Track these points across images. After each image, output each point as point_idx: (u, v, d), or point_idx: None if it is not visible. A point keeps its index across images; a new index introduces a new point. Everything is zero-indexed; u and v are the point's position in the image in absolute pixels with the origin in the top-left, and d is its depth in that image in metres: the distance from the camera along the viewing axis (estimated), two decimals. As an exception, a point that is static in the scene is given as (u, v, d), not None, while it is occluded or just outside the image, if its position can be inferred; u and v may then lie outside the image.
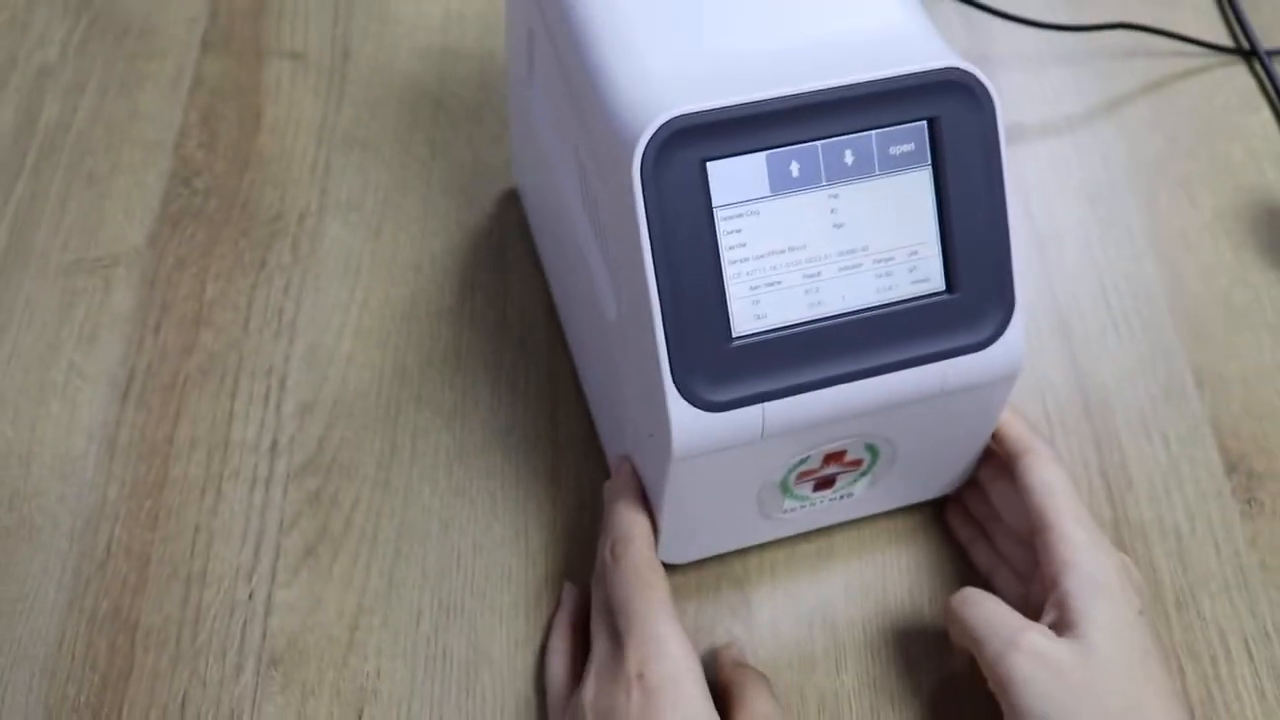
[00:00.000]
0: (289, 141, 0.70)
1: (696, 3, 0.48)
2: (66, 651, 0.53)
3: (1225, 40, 0.78)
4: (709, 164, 0.45)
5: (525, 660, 0.54)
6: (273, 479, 0.58)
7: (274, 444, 0.59)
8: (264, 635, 0.54)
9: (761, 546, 0.57)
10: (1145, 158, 0.73)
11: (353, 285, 0.65)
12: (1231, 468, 0.61)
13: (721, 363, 0.46)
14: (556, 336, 0.63)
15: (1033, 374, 0.64)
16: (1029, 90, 0.75)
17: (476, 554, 0.57)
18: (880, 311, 0.47)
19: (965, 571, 0.57)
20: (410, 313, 0.64)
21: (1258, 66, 0.77)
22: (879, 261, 0.47)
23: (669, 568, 0.56)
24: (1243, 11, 0.79)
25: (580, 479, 0.59)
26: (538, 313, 0.64)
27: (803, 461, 0.51)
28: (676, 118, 0.44)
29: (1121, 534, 0.59)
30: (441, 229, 0.67)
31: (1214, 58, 0.77)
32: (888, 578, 0.57)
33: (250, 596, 0.55)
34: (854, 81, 0.45)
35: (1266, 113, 0.75)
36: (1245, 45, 0.78)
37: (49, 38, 0.75)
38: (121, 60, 0.74)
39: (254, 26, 0.76)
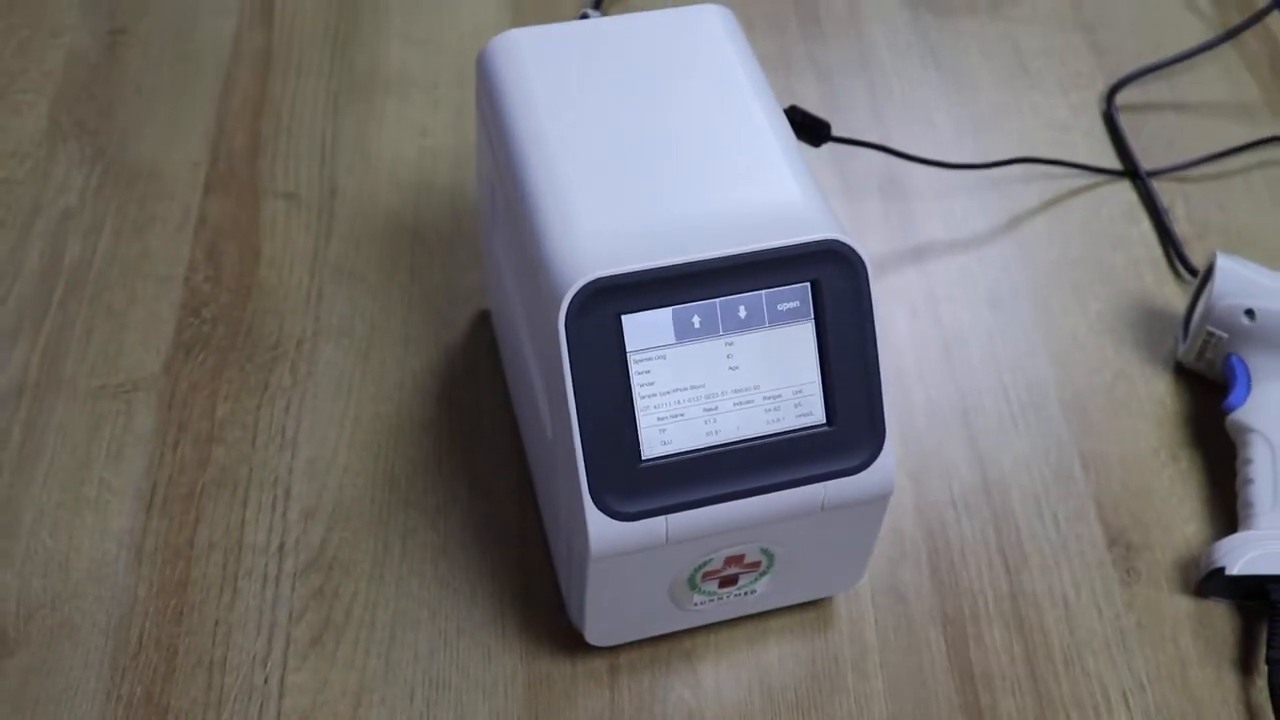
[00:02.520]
0: (285, 274, 0.80)
1: (624, 175, 0.58)
2: (107, 733, 0.62)
3: (1111, 163, 0.89)
4: (624, 316, 0.55)
5: (505, 728, 0.63)
6: (281, 577, 0.67)
7: (281, 546, 0.68)
8: (279, 715, 0.63)
9: (708, 626, 0.66)
10: (1040, 267, 0.83)
11: (346, 403, 0.74)
12: (1112, 541, 0.71)
13: (632, 480, 0.56)
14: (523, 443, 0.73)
15: (939, 461, 0.73)
16: (940, 213, 0.85)
17: (460, 636, 0.65)
18: (769, 440, 0.57)
19: (884, 644, 0.66)
20: (397, 426, 0.73)
21: (1139, 184, 0.88)
22: (768, 398, 0.57)
23: (627, 645, 0.65)
24: (1126, 137, 0.89)
25: (548, 567, 0.68)
26: (507, 422, 0.73)
27: (706, 563, 0.60)
28: (597, 279, 0.54)
29: (1018, 604, 0.68)
30: (422, 350, 0.77)
31: (1101, 178, 0.88)
32: (815, 648, 0.66)
33: (265, 680, 0.64)
34: (748, 250, 0.55)
35: (1146, 224, 0.86)
36: (1128, 166, 0.88)
37: (69, 184, 0.84)
38: (133, 203, 0.83)
39: (251, 168, 0.85)
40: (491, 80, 0.64)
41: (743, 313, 0.56)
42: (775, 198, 0.58)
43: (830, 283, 0.56)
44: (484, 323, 0.78)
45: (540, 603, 0.67)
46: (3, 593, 0.66)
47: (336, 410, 0.74)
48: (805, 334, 0.57)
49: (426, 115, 0.89)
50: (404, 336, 0.77)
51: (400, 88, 0.91)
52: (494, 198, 0.67)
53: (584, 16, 0.74)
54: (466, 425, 0.73)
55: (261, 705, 0.63)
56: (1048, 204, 0.87)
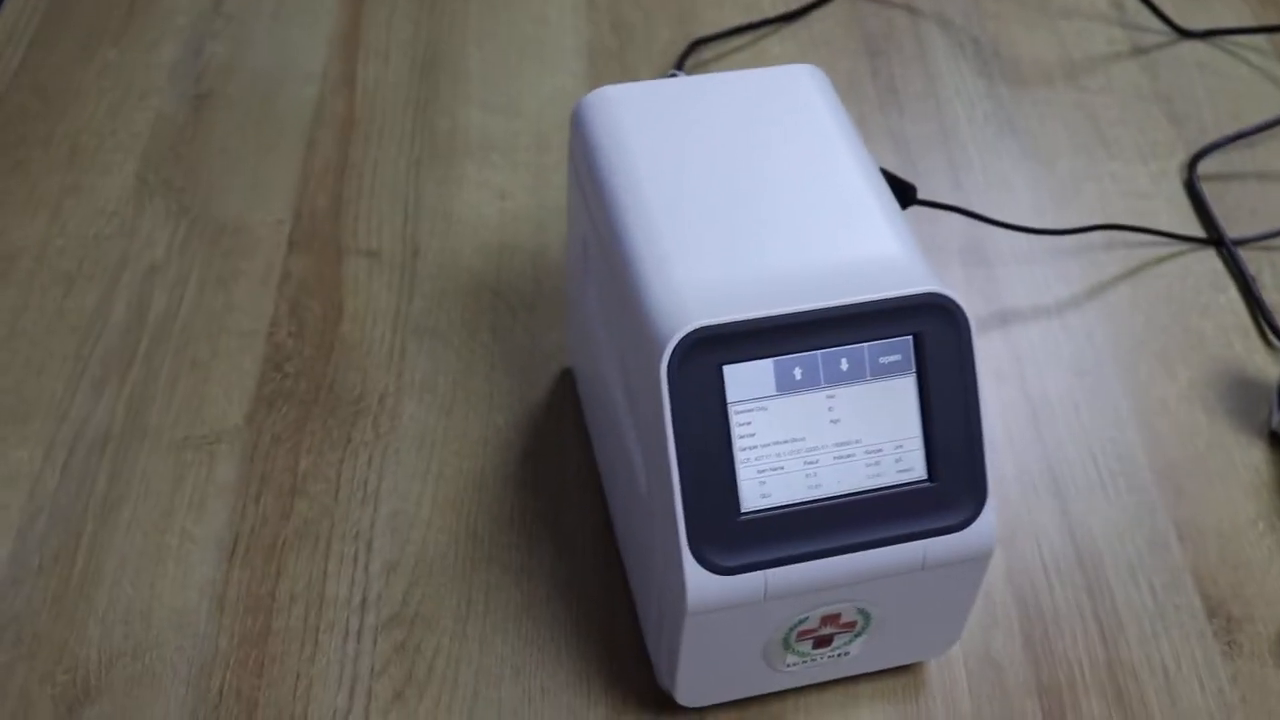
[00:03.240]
0: (368, 330, 0.80)
1: (723, 228, 0.58)
2: (186, 786, 0.61)
3: (1195, 231, 0.88)
4: (725, 367, 0.54)
5: (590, 790, 0.61)
6: (363, 631, 0.66)
7: (364, 600, 0.67)
8: (359, 770, 0.61)
9: (797, 689, 0.64)
10: (1126, 335, 0.82)
11: (429, 458, 0.73)
12: (1212, 612, 0.69)
13: (731, 534, 0.55)
14: (606, 498, 0.72)
15: (1030, 527, 0.72)
16: (1022, 279, 0.85)
17: (544, 696, 0.64)
18: (869, 495, 0.56)
19: (977, 712, 0.64)
20: (480, 481, 0.72)
21: (1224, 252, 0.87)
22: (869, 452, 0.56)
23: (714, 706, 0.64)
24: (1209, 205, 0.89)
25: (634, 625, 0.67)
26: (591, 479, 0.73)
27: (802, 621, 0.59)
28: (699, 328, 0.53)
29: (1115, 674, 0.66)
30: (505, 406, 0.76)
31: (1185, 246, 0.87)
32: (907, 715, 0.64)
33: (347, 735, 0.63)
34: (851, 302, 0.55)
35: (1233, 292, 0.85)
36: (1212, 235, 0.88)
37: (155, 239, 0.85)
38: (218, 258, 0.84)
39: (333, 226, 0.86)
40: (587, 135, 0.64)
41: (844, 365, 0.55)
42: (875, 251, 0.58)
43: (932, 336, 0.56)
44: (567, 381, 0.78)
45: (626, 662, 0.66)
46: (85, 640, 0.65)
47: (419, 465, 0.73)
48: (907, 388, 0.56)
49: (506, 178, 0.90)
50: (487, 393, 0.77)
51: (480, 152, 0.91)
52: (586, 252, 0.67)
53: (672, 76, 0.74)
54: (550, 481, 0.73)
55: (343, 760, 0.62)
56: (1131, 271, 0.86)
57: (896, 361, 0.56)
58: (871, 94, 0.97)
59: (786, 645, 0.60)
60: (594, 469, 0.73)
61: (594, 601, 0.68)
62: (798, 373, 0.55)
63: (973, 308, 0.83)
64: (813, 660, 0.62)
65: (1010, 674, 0.66)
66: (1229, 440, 0.76)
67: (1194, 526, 0.72)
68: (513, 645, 0.66)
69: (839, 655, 0.62)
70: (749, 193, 0.60)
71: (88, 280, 0.82)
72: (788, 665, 0.61)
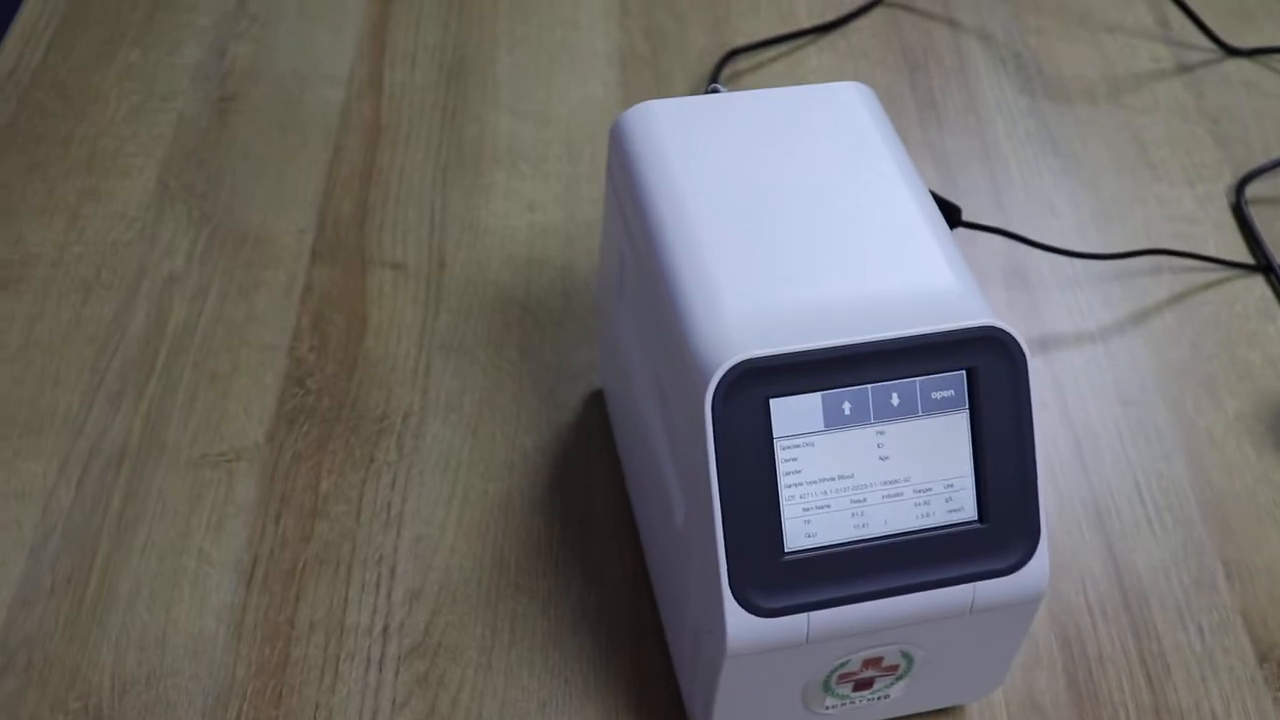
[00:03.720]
0: (392, 346, 0.78)
1: (770, 253, 0.56)
2: (201, 821, 0.59)
3: (1243, 257, 0.86)
4: (771, 400, 0.52)
5: (618, 833, 0.59)
6: (385, 660, 0.64)
7: (385, 628, 0.65)
8: (380, 807, 0.59)
9: (832, 728, 0.62)
10: (1172, 363, 0.80)
11: (454, 480, 0.71)
12: (1263, 657, 0.66)
13: (774, 574, 0.52)
14: (637, 526, 0.69)
15: (1073, 564, 0.69)
16: (1065, 305, 0.82)
17: (571, 732, 0.62)
18: (918, 536, 0.53)
19: (1020, 753, 0.62)
20: (507, 505, 0.70)
21: (1273, 279, 0.84)
22: (918, 491, 0.53)
23: (749, 748, 0.61)
24: (1258, 230, 0.86)
25: (665, 659, 0.64)
26: (621, 505, 0.71)
27: (843, 664, 0.56)
28: (746, 360, 0.51)
29: (1161, 718, 0.64)
30: (533, 427, 0.74)
31: (1232, 272, 0.85)
32: (949, 759, 0.62)
33: (367, 770, 0.60)
34: (902, 335, 0.52)
35: (1282, 321, 0.82)
36: (1261, 261, 0.85)
37: (175, 248, 0.83)
38: (239, 268, 0.82)
39: (358, 237, 0.84)
40: (627, 150, 0.62)
41: (895, 400, 0.53)
42: (928, 281, 0.55)
43: (987, 371, 0.53)
44: (596, 402, 0.75)
45: (657, 697, 0.63)
46: (97, 667, 0.63)
47: (444, 488, 0.71)
48: (959, 425, 0.54)
49: (536, 189, 0.87)
50: (514, 414, 0.75)
51: (509, 161, 0.89)
52: (623, 271, 0.64)
53: (713, 91, 0.72)
54: (579, 507, 0.70)
55: (363, 797, 0.60)
56: (1177, 298, 0.83)
57: (949, 397, 0.53)
58: (911, 108, 0.94)
59: (826, 688, 0.58)
60: (624, 494, 0.71)
61: (623, 632, 0.66)
62: (847, 407, 0.53)
63: (1026, 342, 0.80)
64: (852, 703, 0.59)
65: (1053, 717, 0.64)
66: (1278, 475, 0.74)
67: (1243, 565, 0.70)
68: (539, 678, 0.64)
69: (879, 698, 0.60)
70: (797, 216, 0.58)
71: (106, 289, 0.80)
72: (826, 708, 0.59)
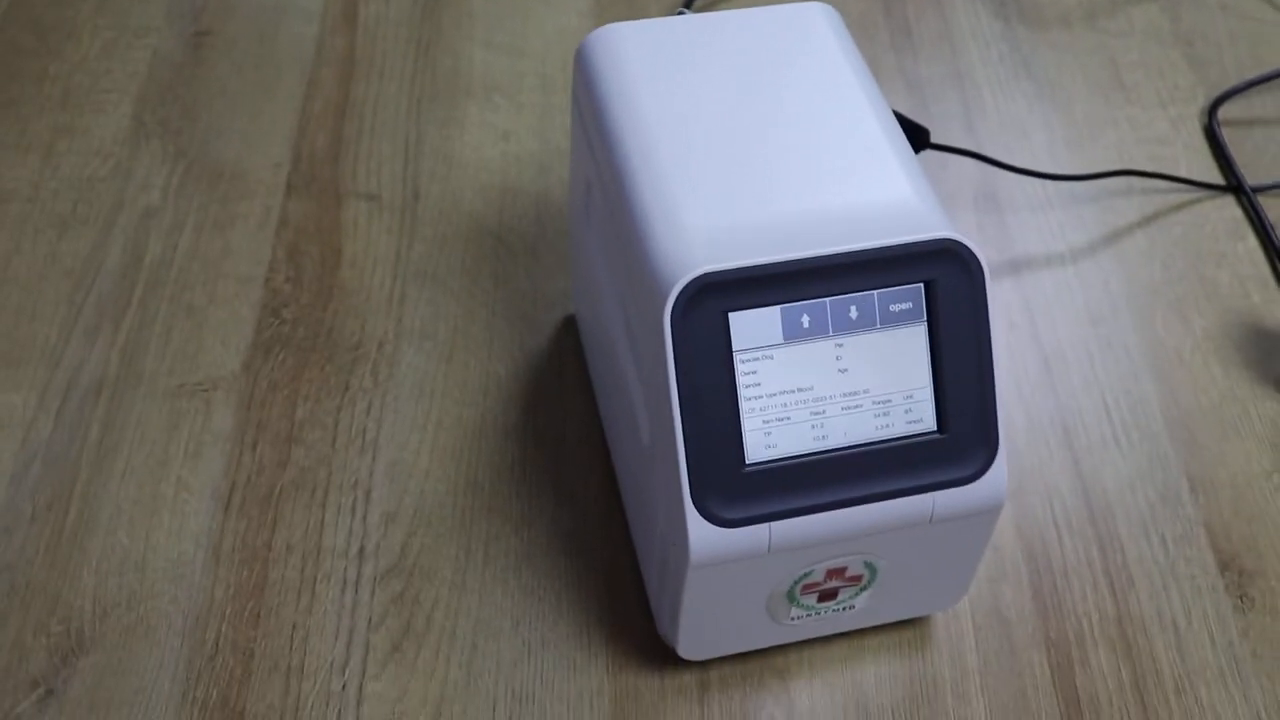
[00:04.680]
0: (367, 276, 0.78)
1: (730, 171, 0.56)
2: (182, 737, 0.60)
3: (1214, 178, 0.86)
4: (730, 314, 0.52)
5: (590, 744, 0.60)
6: (361, 581, 0.65)
7: (361, 550, 0.66)
8: (356, 722, 0.61)
9: (801, 643, 0.63)
10: (1142, 284, 0.80)
11: (428, 407, 0.72)
12: (1224, 566, 0.67)
13: (735, 486, 0.53)
14: (609, 449, 0.70)
15: (1041, 480, 0.70)
16: (1036, 226, 0.83)
17: (544, 648, 0.63)
18: (877, 447, 0.54)
19: (985, 666, 0.63)
20: (480, 431, 0.71)
21: (1243, 200, 0.85)
22: (878, 403, 0.54)
23: (716, 660, 0.63)
24: (1229, 151, 0.87)
25: (636, 577, 0.66)
26: (594, 429, 0.71)
27: (806, 575, 0.57)
28: (704, 274, 0.52)
29: (1124, 627, 0.65)
30: (506, 354, 0.75)
31: (1203, 193, 0.85)
32: (913, 669, 0.63)
33: (343, 687, 0.62)
34: (860, 248, 0.53)
35: (1252, 240, 0.83)
36: (1231, 182, 0.85)
37: (151, 182, 0.83)
38: (215, 202, 0.82)
39: (333, 170, 0.84)
40: (591, 74, 0.62)
41: (853, 313, 0.54)
42: (888, 196, 0.56)
43: (945, 284, 0.54)
44: (569, 328, 0.76)
45: (628, 614, 0.64)
46: (79, 590, 0.64)
47: (418, 414, 0.72)
48: (918, 337, 0.54)
49: (509, 120, 0.88)
50: (487, 341, 0.75)
51: (483, 92, 0.89)
52: (589, 195, 0.65)
53: (680, 14, 0.72)
54: (551, 432, 0.71)
55: (340, 712, 0.61)
56: (1148, 219, 0.84)
57: (907, 310, 0.54)
58: (884, 34, 0.94)
59: (791, 598, 0.59)
60: (596, 418, 0.72)
61: (596, 552, 0.67)
62: (805, 320, 0.53)
63: (985, 255, 0.81)
64: (817, 614, 0.60)
65: (1018, 628, 0.65)
66: (1244, 392, 0.75)
67: (1207, 480, 0.71)
68: (513, 596, 0.65)
69: (844, 609, 0.61)
70: (758, 135, 0.58)
71: (82, 224, 0.80)
72: (792, 619, 0.60)
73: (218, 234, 0.81)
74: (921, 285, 0.54)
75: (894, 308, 0.54)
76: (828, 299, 0.53)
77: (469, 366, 0.74)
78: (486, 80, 0.90)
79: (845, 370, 0.54)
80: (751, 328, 0.53)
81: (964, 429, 0.55)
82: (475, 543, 0.67)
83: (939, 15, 0.96)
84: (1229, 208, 0.85)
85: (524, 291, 0.78)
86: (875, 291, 0.53)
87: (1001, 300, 0.79)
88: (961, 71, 0.92)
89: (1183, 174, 0.86)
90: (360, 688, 0.62)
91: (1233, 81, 0.92)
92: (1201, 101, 0.91)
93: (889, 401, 0.54)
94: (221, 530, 0.67)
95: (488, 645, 0.63)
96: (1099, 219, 0.84)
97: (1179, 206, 0.85)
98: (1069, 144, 0.88)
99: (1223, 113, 0.90)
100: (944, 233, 0.54)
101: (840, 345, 0.54)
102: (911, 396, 0.55)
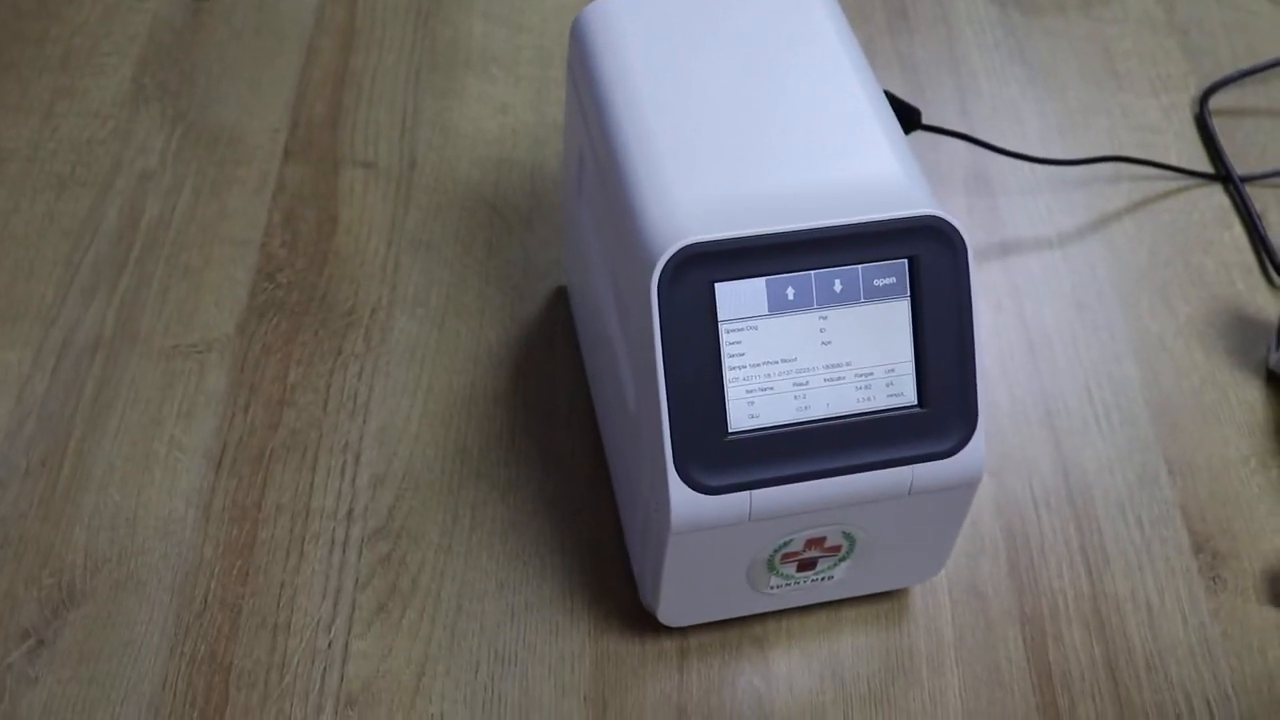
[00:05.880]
0: (362, 242, 0.79)
1: (720, 144, 0.57)
2: (169, 690, 0.61)
3: (1204, 166, 0.87)
4: (716, 285, 0.53)
5: (571, 706, 0.61)
6: (349, 542, 0.66)
7: (350, 512, 0.67)
8: (341, 679, 0.62)
9: (780, 612, 0.65)
10: (1128, 269, 0.81)
11: (419, 372, 0.73)
12: (1198, 548, 0.69)
13: (717, 454, 0.54)
14: (596, 418, 0.71)
15: (1022, 460, 0.72)
16: (1025, 209, 0.84)
17: (528, 611, 0.64)
18: (859, 419, 0.55)
19: (960, 640, 0.64)
20: (470, 397, 0.72)
21: (1231, 189, 0.86)
22: (860, 376, 0.55)
23: (696, 627, 0.64)
24: (1219, 140, 0.87)
25: (620, 545, 0.67)
26: (582, 398, 0.72)
27: (786, 544, 0.59)
28: (691, 244, 0.53)
29: (1099, 605, 0.66)
30: (497, 322, 0.76)
31: (1192, 181, 0.86)
32: (890, 641, 0.64)
33: (329, 645, 0.63)
34: (846, 223, 0.54)
35: (1238, 229, 0.83)
36: (1221, 170, 0.86)
37: (149, 145, 0.84)
38: (213, 166, 0.83)
39: (330, 137, 0.85)
40: (586, 46, 0.63)
41: (838, 287, 0.54)
42: (874, 172, 0.57)
43: (928, 260, 0.55)
44: (560, 299, 0.77)
45: (611, 581, 0.66)
46: (70, 545, 0.65)
47: (409, 379, 0.73)
48: (900, 312, 0.55)
49: (507, 92, 0.88)
50: (479, 309, 0.76)
51: (481, 64, 0.90)
52: (582, 166, 0.66)
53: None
54: (540, 399, 0.72)
55: (325, 669, 0.62)
56: (1136, 205, 0.85)
57: (891, 284, 0.55)
58: (881, 17, 0.95)
59: (770, 567, 0.60)
60: (585, 388, 0.73)
61: (581, 519, 0.68)
62: (790, 293, 0.54)
63: (974, 237, 0.82)
64: (796, 583, 0.62)
65: (994, 603, 0.66)
66: (1225, 378, 0.76)
67: (1186, 463, 0.72)
68: (498, 560, 0.66)
69: (823, 579, 0.62)
70: (749, 110, 0.59)
71: (80, 185, 0.81)
72: (771, 588, 0.61)
73: (215, 198, 0.81)
74: (905, 261, 0.55)
75: (878, 282, 0.55)
76: (813, 272, 0.54)
77: (460, 334, 0.75)
78: (485, 52, 0.91)
79: (828, 343, 0.55)
80: (737, 298, 0.54)
81: (944, 403, 0.56)
82: (462, 507, 0.68)
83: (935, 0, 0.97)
84: (1217, 196, 0.85)
85: (516, 261, 0.79)
86: (859, 266, 0.54)
87: (989, 282, 0.80)
88: (956, 55, 0.93)
89: (1173, 162, 0.87)
90: (346, 646, 0.63)
91: (1225, 71, 0.92)
92: (1193, 90, 0.92)
93: (871, 375, 0.55)
94: (212, 489, 0.68)
95: (472, 607, 0.64)
96: (1088, 204, 0.84)
97: (1168, 194, 0.85)
98: (1061, 129, 0.88)
99: (1214, 102, 0.91)
100: (928, 209, 0.55)
101: (824, 318, 0.55)
102: (893, 370, 0.55)
